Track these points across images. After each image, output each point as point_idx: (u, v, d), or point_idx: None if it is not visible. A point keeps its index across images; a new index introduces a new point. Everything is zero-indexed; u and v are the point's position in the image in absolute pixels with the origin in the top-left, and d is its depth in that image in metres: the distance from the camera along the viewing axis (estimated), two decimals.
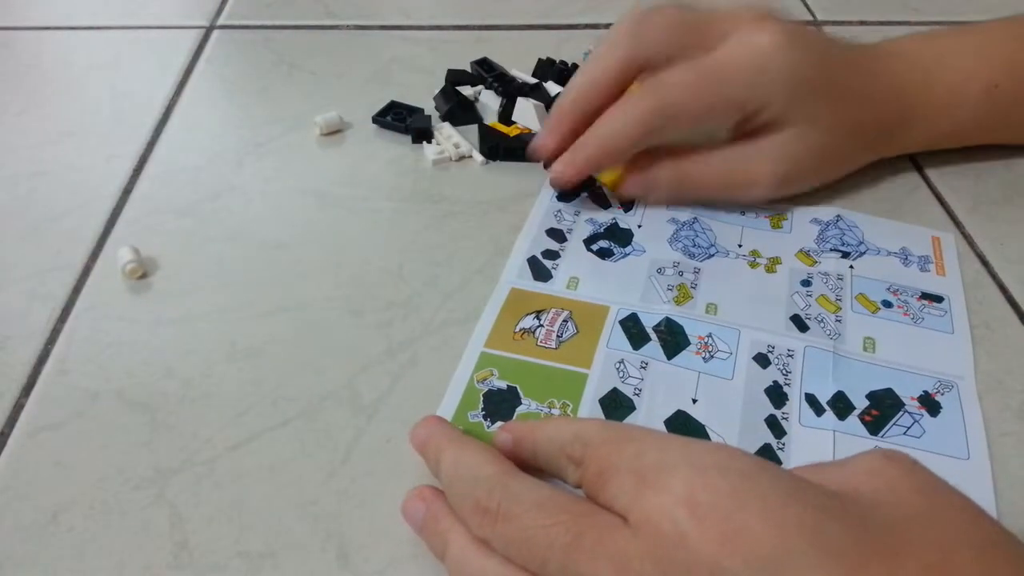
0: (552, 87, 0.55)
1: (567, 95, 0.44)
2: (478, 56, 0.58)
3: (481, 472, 0.27)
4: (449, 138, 0.51)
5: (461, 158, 0.51)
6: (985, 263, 0.44)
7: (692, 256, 0.43)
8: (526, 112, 0.51)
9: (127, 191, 0.49)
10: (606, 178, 0.46)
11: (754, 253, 0.44)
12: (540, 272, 0.42)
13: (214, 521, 0.32)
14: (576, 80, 0.44)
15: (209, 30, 0.65)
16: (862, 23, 0.65)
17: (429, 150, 0.50)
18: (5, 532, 0.32)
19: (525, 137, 0.50)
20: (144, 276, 0.43)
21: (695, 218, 0.45)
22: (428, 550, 0.29)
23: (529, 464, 0.29)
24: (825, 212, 0.46)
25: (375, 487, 0.33)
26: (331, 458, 0.34)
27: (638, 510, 0.23)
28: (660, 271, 0.42)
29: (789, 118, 0.43)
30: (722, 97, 0.42)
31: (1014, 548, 0.22)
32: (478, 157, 0.50)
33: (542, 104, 0.51)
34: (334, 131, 0.53)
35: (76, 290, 0.42)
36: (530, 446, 0.30)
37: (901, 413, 0.36)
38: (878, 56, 0.46)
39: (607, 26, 0.64)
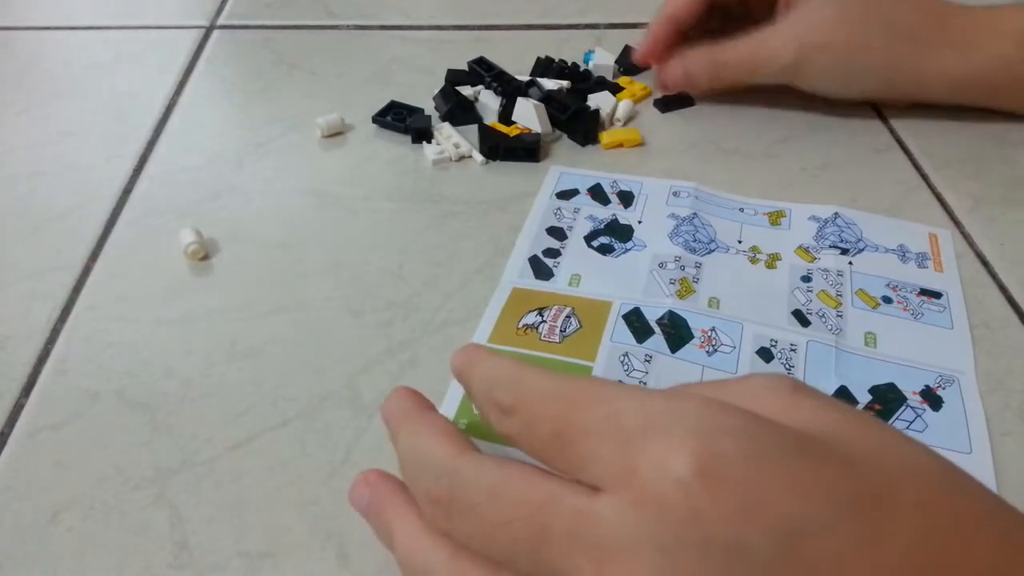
0: (548, 83, 0.55)
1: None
2: (477, 56, 0.57)
3: (431, 455, 0.24)
4: (449, 138, 0.51)
5: (461, 158, 0.51)
6: (985, 263, 0.44)
7: (693, 251, 0.43)
8: (526, 112, 0.51)
9: (127, 191, 0.49)
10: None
11: (754, 249, 0.44)
12: (541, 271, 0.42)
13: (214, 521, 0.32)
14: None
15: (209, 30, 0.65)
16: None
17: (429, 150, 0.50)
18: (5, 532, 0.32)
19: (525, 137, 0.50)
20: (205, 257, 0.44)
21: (695, 213, 0.45)
22: None
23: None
24: (823, 210, 0.46)
25: None
26: (331, 458, 0.34)
27: (629, 484, 0.19)
28: (662, 265, 0.42)
29: None
30: None
31: (977, 485, 0.22)
32: (478, 157, 0.50)
33: (542, 104, 0.51)
34: (336, 133, 0.53)
35: (76, 290, 0.42)
36: (467, 380, 0.26)
37: (904, 408, 0.36)
38: None
39: (607, 26, 0.64)
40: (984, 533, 0.20)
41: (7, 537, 0.31)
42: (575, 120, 0.52)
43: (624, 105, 0.53)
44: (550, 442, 0.22)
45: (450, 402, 0.36)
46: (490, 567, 0.22)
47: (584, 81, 0.56)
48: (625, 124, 0.53)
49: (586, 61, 0.58)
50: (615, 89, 0.56)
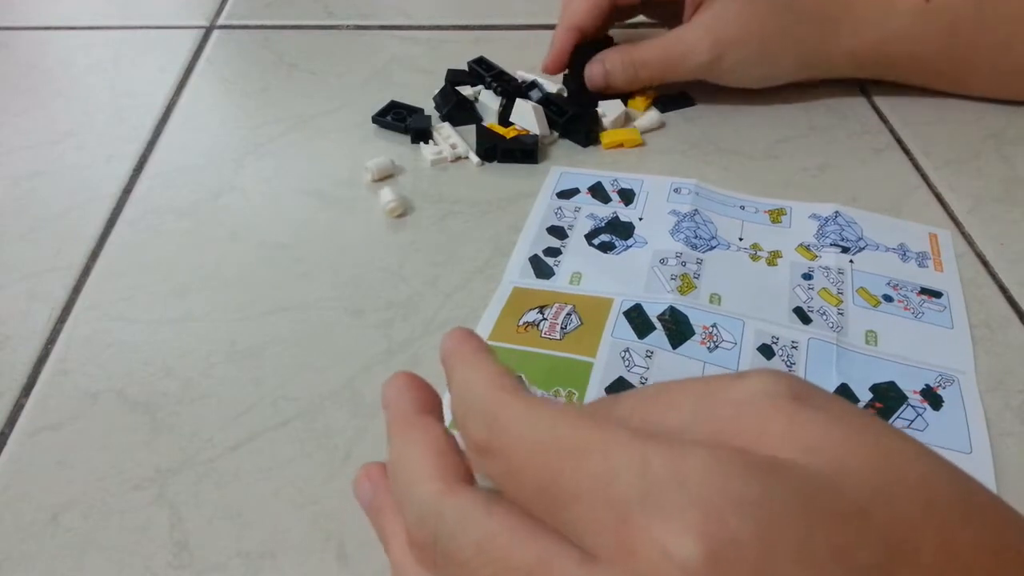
0: (549, 85, 0.55)
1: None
2: (477, 56, 0.57)
3: (416, 489, 0.21)
4: (447, 138, 0.51)
5: (457, 159, 0.50)
6: (985, 263, 0.44)
7: (694, 247, 0.43)
8: (525, 113, 0.51)
9: (127, 191, 0.49)
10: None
11: (755, 246, 0.44)
12: (542, 270, 0.42)
13: (214, 521, 0.32)
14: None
15: (209, 30, 0.65)
16: None
17: (426, 151, 0.50)
18: (5, 532, 0.32)
19: (523, 139, 0.50)
20: (403, 215, 0.46)
21: (695, 210, 0.45)
22: None
23: None
24: (824, 208, 0.46)
25: None
26: (331, 458, 0.34)
27: (625, 563, 0.17)
28: (663, 261, 0.42)
29: None
30: None
31: (997, 506, 0.20)
32: (474, 158, 0.50)
33: (540, 106, 0.51)
34: (386, 176, 0.49)
35: (76, 290, 0.42)
36: (447, 377, 0.24)
37: (904, 406, 0.35)
38: None
39: None
40: (1007, 566, 0.18)
41: (7, 537, 0.31)
42: (576, 120, 0.52)
43: (651, 116, 0.53)
44: (536, 498, 0.19)
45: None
46: None
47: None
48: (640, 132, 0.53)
49: None
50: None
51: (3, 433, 0.35)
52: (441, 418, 0.25)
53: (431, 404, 0.25)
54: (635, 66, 0.53)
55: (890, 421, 0.35)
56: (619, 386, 0.35)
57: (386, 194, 0.46)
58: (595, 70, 0.53)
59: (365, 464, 0.26)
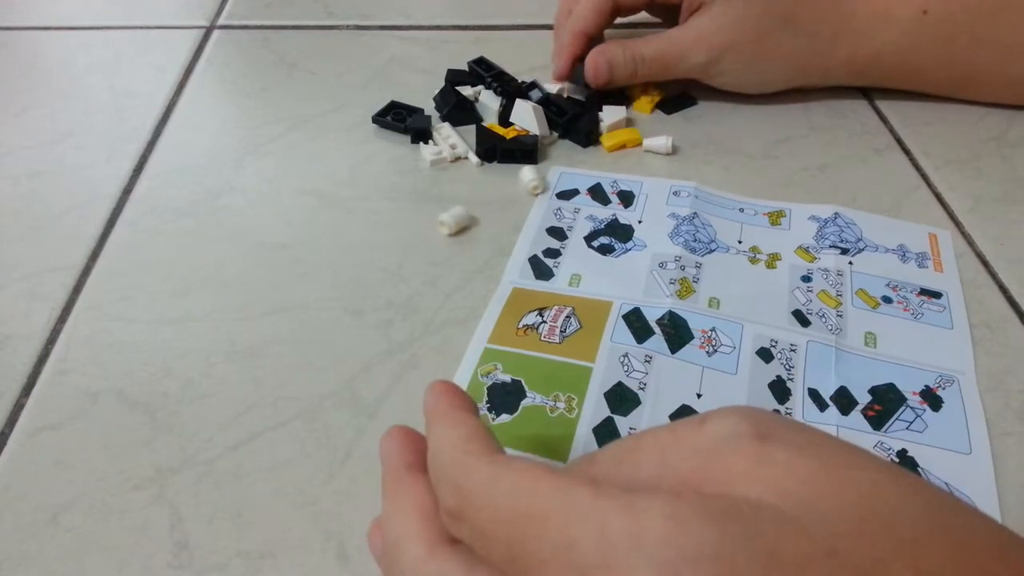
0: (549, 86, 0.55)
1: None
2: (477, 56, 0.57)
3: (402, 548, 0.22)
4: (447, 139, 0.51)
5: (457, 159, 0.51)
6: (985, 263, 0.44)
7: (693, 251, 0.43)
8: (525, 114, 0.51)
9: (127, 191, 0.49)
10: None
11: (754, 249, 0.44)
12: (542, 271, 0.42)
13: (214, 521, 0.32)
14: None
15: (209, 30, 0.65)
16: None
17: (426, 151, 0.50)
18: (5, 532, 0.32)
19: (523, 139, 0.50)
20: (543, 192, 0.48)
21: (695, 213, 0.45)
22: None
23: None
24: (823, 210, 0.46)
25: (375, 487, 0.33)
26: (331, 458, 0.34)
27: None
28: (662, 265, 0.42)
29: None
30: None
31: (970, 524, 0.19)
32: (474, 158, 0.50)
33: (540, 107, 0.51)
34: (464, 228, 0.45)
35: (76, 290, 0.42)
36: (427, 432, 0.25)
37: (903, 408, 0.35)
38: None
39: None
40: None
41: (7, 537, 0.31)
42: (577, 121, 0.52)
43: (662, 142, 0.52)
44: (506, 565, 0.20)
45: None
46: None
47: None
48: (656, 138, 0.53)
49: None
50: (622, 94, 0.56)
51: (3, 433, 0.35)
52: None
53: (423, 459, 0.25)
54: (635, 61, 0.53)
55: (890, 423, 0.35)
56: (618, 391, 0.36)
57: (526, 173, 0.48)
58: (599, 62, 0.53)
59: (375, 519, 0.26)
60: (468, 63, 0.57)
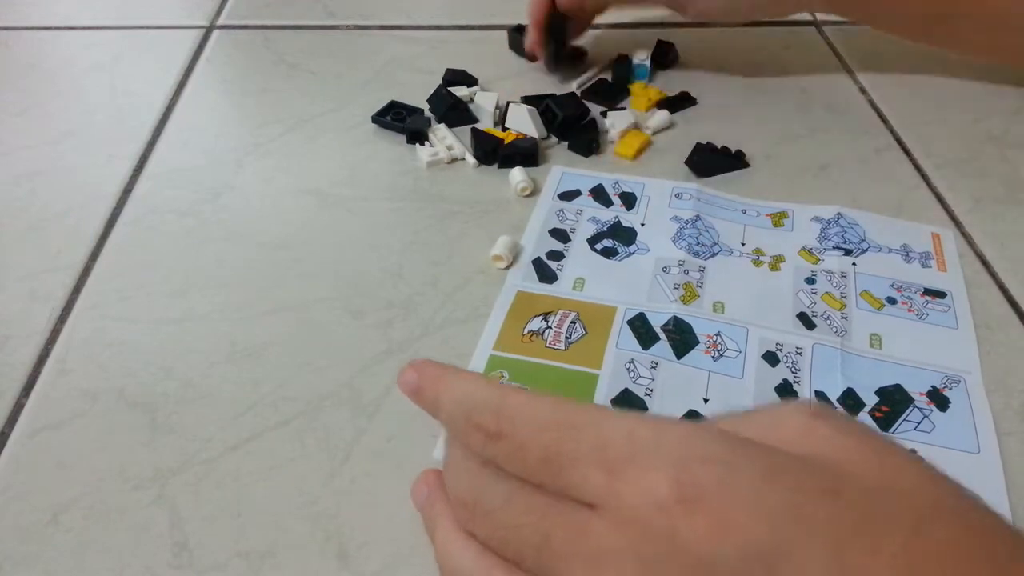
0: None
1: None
2: (477, 56, 0.57)
3: (460, 465, 0.26)
4: (443, 140, 0.51)
5: (454, 160, 0.50)
6: (985, 263, 0.44)
7: (697, 254, 0.43)
8: (519, 117, 0.51)
9: (127, 191, 0.48)
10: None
11: (757, 251, 0.43)
12: (545, 273, 0.42)
13: (214, 521, 0.32)
14: None
15: (209, 30, 0.65)
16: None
17: (422, 152, 0.50)
18: (5, 532, 0.31)
19: (521, 142, 0.50)
20: (532, 194, 0.47)
21: (697, 216, 0.45)
22: (427, 549, 0.29)
23: (429, 411, 0.27)
24: (826, 210, 0.46)
25: (375, 487, 0.33)
26: (331, 458, 0.34)
27: (616, 506, 0.22)
28: (665, 270, 0.42)
29: None
30: None
31: (977, 511, 0.22)
32: (470, 159, 0.50)
33: (535, 108, 0.51)
34: (517, 255, 0.44)
35: (76, 290, 0.42)
36: (432, 397, 0.27)
37: (911, 409, 0.35)
38: None
39: (606, 26, 0.64)
40: (979, 566, 0.20)
41: (7, 537, 0.31)
42: (578, 130, 0.51)
43: (660, 116, 0.53)
44: (539, 467, 0.23)
45: None
46: (509, 567, 0.24)
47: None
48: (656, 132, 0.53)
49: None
50: (624, 93, 0.56)
51: (3, 433, 0.35)
52: None
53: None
54: None
55: (897, 424, 0.35)
56: (625, 398, 0.35)
57: (516, 174, 0.48)
58: None
59: (424, 470, 0.28)
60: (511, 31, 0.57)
